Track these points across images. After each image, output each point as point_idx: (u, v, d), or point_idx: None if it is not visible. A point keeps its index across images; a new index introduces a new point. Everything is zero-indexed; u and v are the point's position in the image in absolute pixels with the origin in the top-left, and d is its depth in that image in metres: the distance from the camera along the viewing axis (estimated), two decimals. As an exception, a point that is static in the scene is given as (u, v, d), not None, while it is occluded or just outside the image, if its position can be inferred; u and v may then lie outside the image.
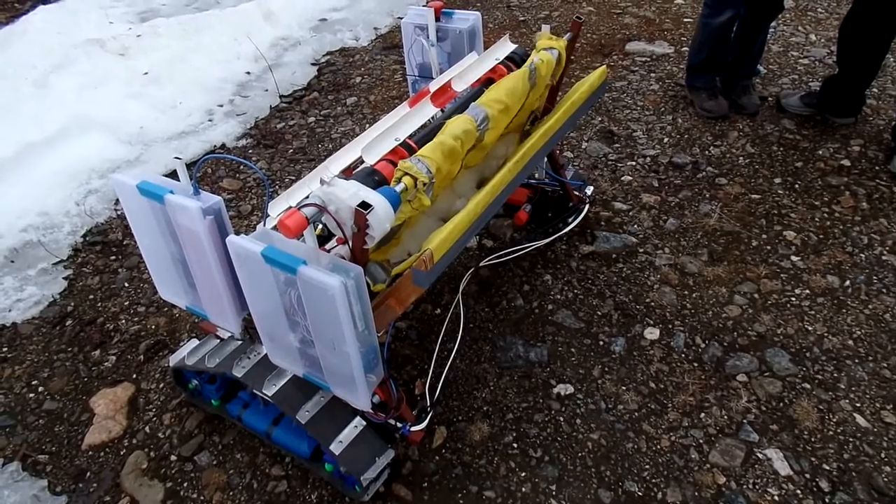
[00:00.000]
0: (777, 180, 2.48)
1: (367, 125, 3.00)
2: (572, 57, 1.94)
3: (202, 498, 1.62)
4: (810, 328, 1.91)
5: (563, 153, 2.73)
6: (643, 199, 2.44)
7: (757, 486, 1.54)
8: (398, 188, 1.34)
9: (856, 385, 1.75)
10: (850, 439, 1.63)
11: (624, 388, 1.79)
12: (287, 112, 3.25)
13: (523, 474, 1.61)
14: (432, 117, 1.72)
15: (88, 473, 1.70)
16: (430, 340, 1.95)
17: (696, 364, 1.84)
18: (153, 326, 2.11)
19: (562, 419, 1.72)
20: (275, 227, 1.28)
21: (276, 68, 3.58)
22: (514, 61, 1.82)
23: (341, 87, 3.44)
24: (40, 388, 1.94)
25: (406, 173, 1.36)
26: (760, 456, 1.60)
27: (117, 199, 2.67)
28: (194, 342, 1.76)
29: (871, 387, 1.74)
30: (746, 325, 1.94)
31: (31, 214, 2.55)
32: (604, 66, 2.04)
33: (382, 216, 1.27)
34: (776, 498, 1.52)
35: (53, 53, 3.60)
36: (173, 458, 1.72)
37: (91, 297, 2.25)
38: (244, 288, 1.35)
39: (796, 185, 2.45)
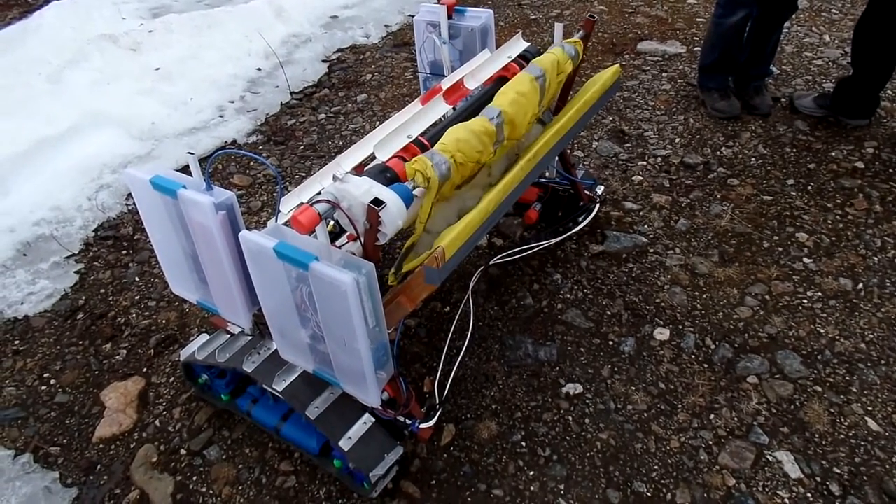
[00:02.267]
0: (790, 182, 2.47)
1: (378, 122, 3.01)
2: (584, 56, 1.93)
3: (211, 492, 1.63)
4: (822, 331, 1.90)
5: (573, 152, 2.72)
6: (654, 199, 2.43)
7: (767, 489, 1.54)
8: (410, 184, 1.34)
9: (868, 388, 1.74)
10: (862, 443, 1.61)
11: (633, 388, 1.78)
12: (297, 109, 3.26)
13: (532, 473, 1.61)
14: (444, 115, 1.71)
15: (99, 466, 1.72)
16: (439, 338, 1.95)
17: (706, 365, 1.83)
18: (164, 321, 2.12)
19: (570, 419, 1.72)
20: (287, 223, 1.28)
21: (287, 65, 3.59)
22: (527, 59, 1.82)
23: (352, 84, 3.44)
24: (52, 381, 1.96)
25: (417, 170, 1.36)
26: (771, 458, 1.60)
27: (129, 194, 2.69)
28: (204, 337, 1.77)
29: (883, 390, 1.73)
30: (757, 326, 1.93)
31: (43, 209, 2.57)
32: (616, 65, 2.03)
33: (395, 213, 1.27)
34: (786, 501, 1.51)
35: (66, 49, 3.62)
36: (183, 452, 1.73)
37: (102, 291, 2.26)
38: (255, 283, 1.35)
39: (809, 187, 2.43)
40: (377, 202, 1.25)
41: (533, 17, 3.98)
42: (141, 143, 2.97)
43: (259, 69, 3.58)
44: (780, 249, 2.18)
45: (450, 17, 2.03)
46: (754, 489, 1.54)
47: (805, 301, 1.99)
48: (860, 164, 2.52)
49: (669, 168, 2.59)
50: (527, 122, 1.62)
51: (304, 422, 1.55)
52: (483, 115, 1.54)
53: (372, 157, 1.57)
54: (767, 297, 2.02)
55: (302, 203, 1.46)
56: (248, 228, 1.31)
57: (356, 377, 1.35)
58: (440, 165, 1.38)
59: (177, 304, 2.17)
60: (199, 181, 1.35)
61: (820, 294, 2.01)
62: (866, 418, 1.67)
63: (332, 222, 1.40)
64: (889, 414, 1.67)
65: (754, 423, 1.68)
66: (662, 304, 2.02)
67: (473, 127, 1.49)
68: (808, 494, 1.52)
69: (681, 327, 1.94)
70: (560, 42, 1.81)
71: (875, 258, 2.12)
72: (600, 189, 2.35)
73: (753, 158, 2.60)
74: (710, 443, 1.64)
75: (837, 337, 1.88)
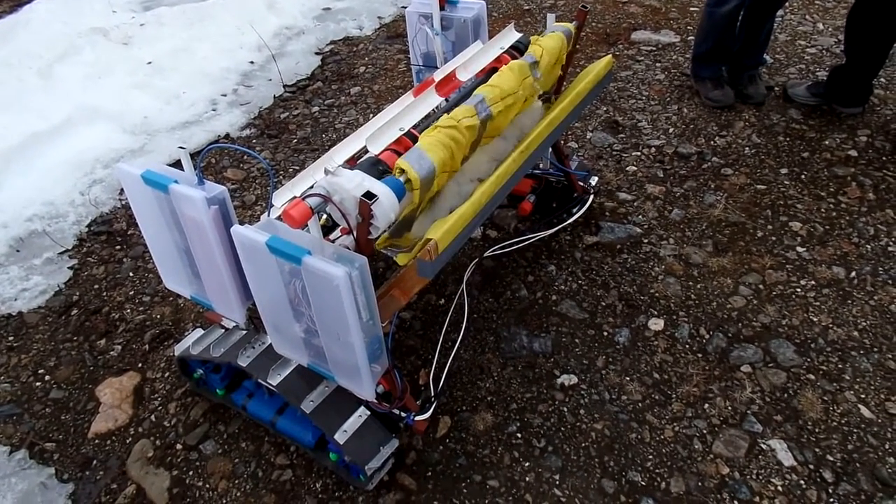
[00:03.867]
0: (783, 171, 2.47)
1: (371, 115, 3.00)
2: (577, 46, 1.93)
3: (208, 486, 1.63)
4: (815, 319, 1.91)
5: (567, 143, 2.72)
6: (648, 190, 2.43)
7: (760, 477, 1.55)
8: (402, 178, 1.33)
9: (860, 376, 1.75)
10: (855, 430, 1.63)
11: (628, 378, 1.79)
12: (291, 102, 3.25)
13: (527, 464, 1.62)
14: (437, 107, 1.71)
15: (95, 461, 1.72)
16: (434, 331, 1.95)
17: (700, 355, 1.84)
18: (158, 316, 2.11)
19: (565, 409, 1.73)
20: (279, 217, 1.28)
21: (280, 58, 3.57)
22: (520, 50, 1.81)
23: (345, 76, 3.43)
24: (47, 377, 1.96)
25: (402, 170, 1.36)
26: (764, 446, 1.61)
27: (122, 189, 2.68)
28: (199, 332, 1.77)
29: (875, 378, 1.74)
30: (751, 315, 1.93)
31: (36, 204, 2.56)
32: (609, 56, 2.02)
33: (387, 206, 1.27)
34: (779, 488, 1.52)
35: (57, 43, 3.59)
36: (179, 446, 1.73)
37: (96, 286, 2.26)
38: (249, 278, 1.35)
39: (802, 176, 2.44)
40: (369, 196, 1.24)
41: (526, 7, 3.96)
42: (133, 138, 2.96)
43: (252, 62, 3.56)
44: (774, 238, 2.19)
45: (442, 8, 2.02)
46: (748, 477, 1.55)
47: (798, 290, 2.00)
48: (853, 153, 2.52)
49: (663, 158, 2.59)
50: (513, 76, 1.60)
51: (299, 415, 1.56)
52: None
53: (365, 150, 1.56)
54: (761, 286, 2.02)
55: (294, 197, 1.46)
56: (242, 223, 1.30)
57: (350, 371, 1.35)
58: (414, 153, 1.38)
59: (171, 298, 2.16)
60: (191, 176, 1.34)
61: (813, 283, 2.02)
62: (859, 406, 1.68)
63: (324, 216, 1.40)
64: (882, 401, 1.68)
65: (748, 411, 1.69)
66: (657, 294, 2.02)
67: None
68: (802, 482, 1.53)
69: (675, 317, 1.95)
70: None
71: (868, 246, 2.12)
72: (594, 180, 2.35)
73: (747, 148, 2.61)
74: (704, 432, 1.65)
75: (830, 325, 1.89)
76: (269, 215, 1.42)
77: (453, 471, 1.61)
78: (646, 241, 2.22)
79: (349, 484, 1.59)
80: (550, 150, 2.13)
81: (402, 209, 1.36)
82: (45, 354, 2.03)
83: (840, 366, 1.78)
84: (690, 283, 2.06)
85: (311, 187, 1.32)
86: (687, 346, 1.87)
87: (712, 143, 2.65)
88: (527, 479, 1.58)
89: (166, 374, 1.92)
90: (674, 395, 1.74)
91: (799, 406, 1.69)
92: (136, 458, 1.71)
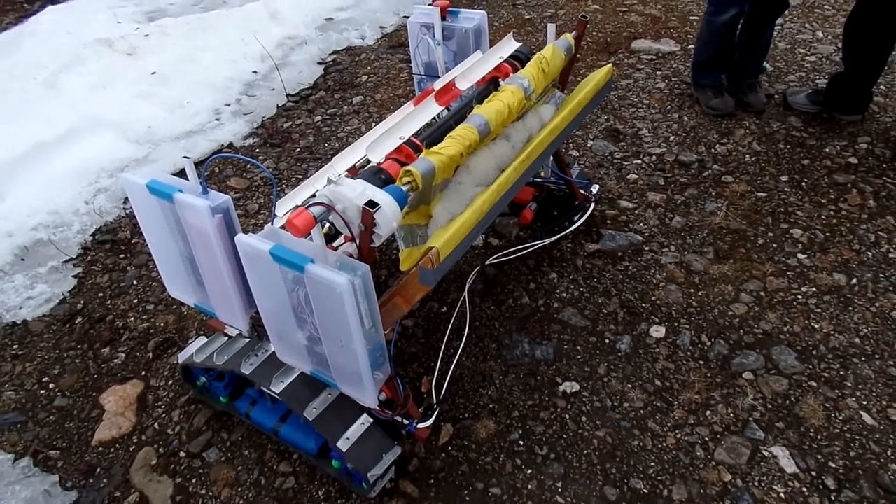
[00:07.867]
0: (783, 178, 2.48)
1: (374, 124, 3.02)
2: (578, 55, 1.94)
3: (211, 494, 1.64)
4: (817, 326, 1.91)
5: (568, 152, 2.73)
6: (649, 198, 2.44)
7: (763, 484, 1.55)
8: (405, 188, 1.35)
9: (862, 383, 1.75)
10: (857, 437, 1.63)
11: (629, 385, 1.79)
12: (294, 111, 3.27)
13: (529, 471, 1.62)
14: (437, 115, 1.72)
15: (98, 469, 1.72)
16: (436, 338, 1.96)
17: (701, 362, 1.84)
18: (162, 324, 2.12)
19: (567, 417, 1.73)
20: (283, 226, 1.29)
21: (283, 67, 3.59)
22: (520, 59, 1.83)
23: (347, 86, 3.45)
24: (51, 385, 1.97)
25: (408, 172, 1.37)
26: (766, 454, 1.61)
27: (126, 198, 2.69)
28: (202, 340, 1.77)
29: (877, 384, 1.74)
30: (752, 323, 1.94)
31: (41, 213, 2.58)
32: (609, 65, 2.04)
33: (389, 215, 1.28)
34: (782, 495, 1.52)
35: (62, 53, 3.62)
36: (182, 454, 1.73)
37: (100, 294, 2.27)
38: (252, 286, 1.36)
39: (803, 183, 2.44)
40: (371, 204, 1.26)
41: (527, 17, 3.98)
42: (138, 147, 2.98)
43: (255, 72, 3.58)
44: (775, 246, 2.19)
45: (443, 18, 2.04)
46: (750, 484, 1.55)
47: (799, 297, 2.01)
48: (853, 160, 2.53)
49: (664, 166, 2.60)
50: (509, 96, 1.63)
51: (302, 423, 1.56)
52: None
53: (367, 160, 1.58)
54: (762, 293, 2.03)
55: (298, 206, 1.47)
56: (246, 231, 1.32)
57: (353, 378, 1.36)
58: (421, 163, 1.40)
59: (175, 307, 2.18)
60: (196, 185, 1.36)
61: (814, 289, 2.02)
62: (861, 412, 1.68)
63: (327, 225, 1.41)
64: (883, 408, 1.68)
65: (750, 418, 1.69)
66: (658, 301, 2.03)
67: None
68: (804, 489, 1.53)
69: (676, 325, 1.95)
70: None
71: (869, 253, 2.13)
72: (595, 188, 2.36)
73: (748, 155, 2.62)
74: (706, 439, 1.65)
75: (832, 332, 1.89)
76: (272, 224, 1.43)
77: (455, 478, 1.62)
78: (647, 248, 2.23)
79: (352, 491, 1.59)
80: (552, 158, 2.14)
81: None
82: (50, 362, 2.04)
83: (842, 373, 1.78)
84: (692, 290, 2.06)
85: (314, 196, 1.33)
86: (688, 353, 1.87)
87: (713, 150, 2.66)
88: (529, 486, 1.59)
89: (170, 382, 1.93)
90: (675, 403, 1.74)
91: (801, 413, 1.69)
92: (139, 466, 1.72)
